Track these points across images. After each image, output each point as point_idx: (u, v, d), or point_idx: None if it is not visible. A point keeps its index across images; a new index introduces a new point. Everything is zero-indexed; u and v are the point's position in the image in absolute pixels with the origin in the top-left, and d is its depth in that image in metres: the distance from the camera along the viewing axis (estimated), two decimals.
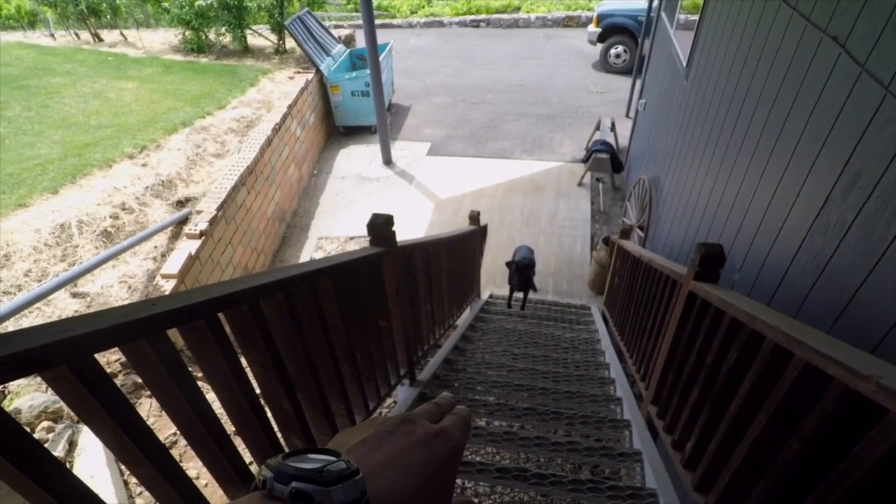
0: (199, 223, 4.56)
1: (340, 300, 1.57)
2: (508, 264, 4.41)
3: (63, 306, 3.83)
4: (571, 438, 2.12)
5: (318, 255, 6.06)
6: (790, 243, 2.05)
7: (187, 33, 8.75)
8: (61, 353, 0.73)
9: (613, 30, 10.14)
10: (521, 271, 4.24)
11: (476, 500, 2.18)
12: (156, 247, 4.52)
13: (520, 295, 4.99)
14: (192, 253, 4.32)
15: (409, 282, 2.34)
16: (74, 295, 3.92)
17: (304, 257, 6.05)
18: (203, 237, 4.49)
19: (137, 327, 0.83)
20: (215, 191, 4.95)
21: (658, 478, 1.87)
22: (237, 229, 5.15)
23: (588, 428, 2.31)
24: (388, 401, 2.60)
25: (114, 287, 4.07)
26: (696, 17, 4.10)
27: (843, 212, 1.72)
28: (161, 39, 9.62)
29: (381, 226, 1.95)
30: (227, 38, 8.98)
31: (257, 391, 1.20)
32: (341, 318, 1.60)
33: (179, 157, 5.52)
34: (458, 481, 2.09)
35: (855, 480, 0.85)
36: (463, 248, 3.81)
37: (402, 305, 2.21)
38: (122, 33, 9.76)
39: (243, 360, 1.16)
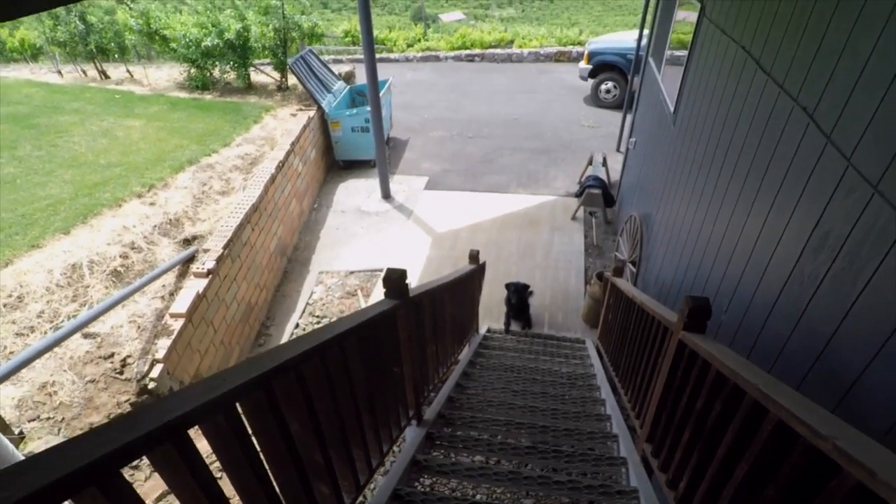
0: (207, 262, 4.70)
1: (363, 355, 1.71)
2: (507, 286, 5.19)
3: (74, 347, 3.93)
4: (572, 477, 2.24)
5: (319, 290, 6.20)
6: (771, 291, 2.23)
7: (192, 71, 9.03)
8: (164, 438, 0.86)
9: (603, 67, 10.55)
10: (519, 292, 5.08)
11: None
12: (164, 286, 4.65)
13: (516, 327, 5.22)
14: (200, 292, 4.44)
15: (418, 329, 2.49)
16: (85, 336, 4.03)
17: (305, 292, 6.18)
18: (210, 275, 4.63)
19: (216, 404, 0.98)
20: (221, 229, 5.11)
21: None
22: (241, 266, 5.30)
23: (587, 465, 2.44)
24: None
25: (123, 327, 4.18)
26: (684, 60, 4.35)
27: (816, 267, 1.89)
28: (166, 76, 9.91)
29: (396, 280, 2.11)
30: (231, 76, 9.26)
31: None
32: (363, 371, 1.74)
33: (186, 195, 5.69)
34: None
35: None
36: (464, 288, 3.97)
37: (413, 351, 2.36)
38: (128, 70, 10.04)
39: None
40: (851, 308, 1.64)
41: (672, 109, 4.50)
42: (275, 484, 1.25)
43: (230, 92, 9.04)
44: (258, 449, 1.22)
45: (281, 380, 1.22)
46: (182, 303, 4.30)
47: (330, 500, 1.58)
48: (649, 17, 6.93)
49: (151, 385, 3.89)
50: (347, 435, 1.65)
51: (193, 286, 4.49)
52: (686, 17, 4.42)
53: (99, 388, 3.78)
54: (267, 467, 1.29)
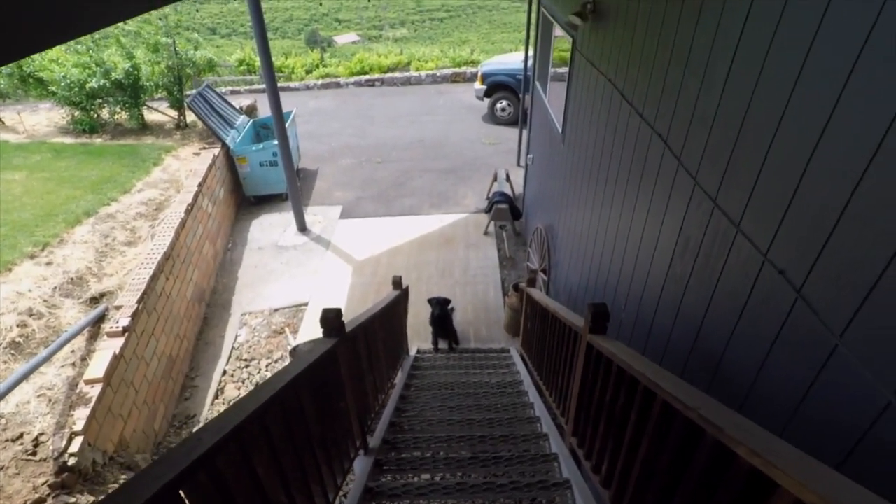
0: (121, 319, 4.49)
1: (312, 395, 1.85)
2: (429, 300, 5.54)
3: None
4: (512, 479, 2.49)
5: (244, 332, 6.07)
6: (655, 289, 2.63)
7: (76, 113, 8.46)
8: None
9: (497, 87, 11.23)
10: (441, 304, 5.42)
11: None
12: (73, 351, 4.38)
13: (444, 345, 5.47)
14: (117, 352, 4.25)
15: (356, 361, 2.64)
16: None
17: (229, 336, 6.03)
18: (126, 333, 4.43)
19: (200, 462, 1.10)
20: (133, 282, 4.90)
21: (585, 499, 2.29)
22: (159, 318, 5.09)
23: (524, 466, 2.71)
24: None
25: (31, 403, 3.90)
26: (566, 76, 4.81)
27: (683, 266, 2.30)
28: (45, 121, 9.17)
29: (332, 319, 2.25)
30: (122, 116, 8.78)
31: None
32: (314, 410, 1.88)
33: (87, 250, 5.37)
34: None
35: (692, 476, 1.31)
36: (392, 314, 4.14)
37: (354, 384, 2.50)
38: None
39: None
40: (711, 299, 2.03)
41: (560, 129, 4.99)
42: None
43: (123, 134, 8.57)
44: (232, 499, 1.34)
45: (249, 430, 1.35)
46: (98, 366, 4.09)
47: None
48: (532, 37, 7.55)
49: (72, 461, 3.66)
50: (307, 473, 1.78)
51: (109, 347, 4.28)
52: (563, 35, 4.90)
53: (10, 475, 3.50)
54: None
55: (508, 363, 4.90)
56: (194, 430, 5.04)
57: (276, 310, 6.31)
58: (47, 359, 4.07)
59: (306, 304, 6.33)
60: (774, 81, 1.58)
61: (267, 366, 5.60)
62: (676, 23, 2.37)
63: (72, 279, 4.99)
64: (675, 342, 2.38)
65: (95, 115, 8.61)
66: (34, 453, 3.61)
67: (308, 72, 17.32)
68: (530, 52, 8.05)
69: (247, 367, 5.64)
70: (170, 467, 1.05)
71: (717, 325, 1.98)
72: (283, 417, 1.57)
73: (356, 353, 2.67)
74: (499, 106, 11.41)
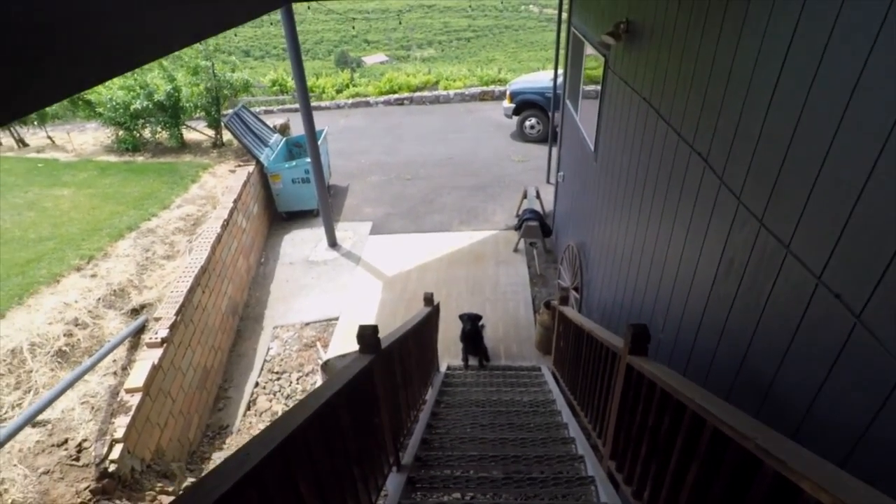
0: (160, 331, 4.61)
1: (349, 412, 1.86)
2: (461, 316, 5.39)
3: (23, 438, 3.74)
4: (546, 502, 2.44)
5: (275, 345, 6.16)
6: (696, 310, 2.57)
7: (121, 133, 8.83)
8: None
9: (525, 105, 11.28)
10: (472, 320, 5.27)
11: None
12: (115, 360, 4.51)
13: (474, 362, 5.44)
14: (156, 363, 4.36)
15: (391, 378, 2.65)
16: (34, 424, 3.84)
17: (262, 349, 6.12)
18: (164, 344, 4.55)
19: (250, 478, 1.11)
20: (172, 295, 5.04)
21: None
22: (195, 330, 5.21)
23: (559, 489, 2.65)
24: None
25: (75, 410, 4.02)
26: (598, 94, 4.80)
27: (727, 288, 2.24)
28: (91, 140, 9.60)
29: (369, 336, 2.27)
30: (163, 136, 9.13)
31: None
32: (351, 426, 1.89)
33: (129, 263, 5.56)
34: None
35: None
36: (425, 331, 4.14)
37: (389, 400, 2.51)
38: (48, 136, 9.65)
39: None
40: (759, 321, 1.97)
41: (592, 148, 4.97)
42: None
43: (163, 152, 8.90)
44: None
45: (293, 445, 1.36)
46: (138, 376, 4.20)
47: None
48: (562, 56, 7.58)
49: (112, 468, 3.75)
50: (344, 489, 1.78)
51: (148, 357, 4.39)
52: (595, 54, 4.91)
53: (55, 479, 3.60)
54: None
55: (540, 381, 4.83)
56: (227, 440, 5.12)
57: (307, 324, 6.39)
58: (91, 367, 4.20)
59: (337, 319, 6.39)
60: (827, 96, 1.54)
61: (298, 379, 5.66)
62: (716, 42, 2.34)
63: (114, 291, 5.16)
64: (718, 364, 2.31)
65: (138, 135, 8.96)
66: (77, 459, 3.71)
67: (338, 91, 17.72)
68: (560, 71, 8.08)
69: (278, 379, 5.71)
70: (221, 480, 1.06)
71: (766, 347, 1.92)
72: (323, 433, 1.58)
73: (391, 369, 2.68)
74: (528, 124, 11.44)
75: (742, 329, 2.09)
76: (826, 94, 1.56)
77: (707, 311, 2.45)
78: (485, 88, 15.34)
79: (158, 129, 8.94)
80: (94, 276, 5.31)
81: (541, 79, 11.29)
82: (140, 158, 8.64)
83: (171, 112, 8.57)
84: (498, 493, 2.75)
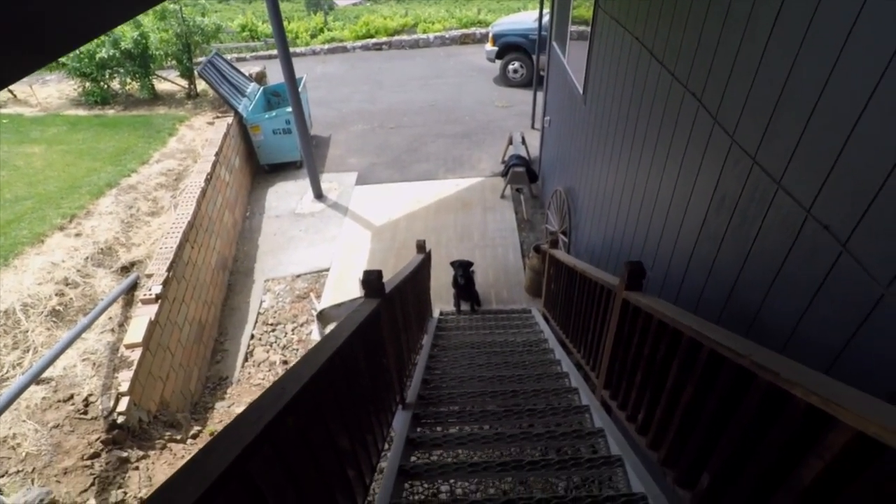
0: (153, 287, 4.62)
1: (365, 351, 1.95)
2: (452, 263, 5.43)
3: (28, 395, 3.80)
4: (549, 428, 2.61)
5: (268, 298, 6.21)
6: (686, 247, 2.68)
7: (87, 85, 8.43)
8: None
9: (509, 48, 11.00)
10: (464, 266, 5.30)
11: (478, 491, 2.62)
12: (110, 318, 4.52)
13: (466, 307, 5.58)
14: (153, 318, 4.39)
15: (394, 321, 2.74)
16: (37, 382, 3.89)
17: (254, 302, 6.18)
18: (159, 300, 4.57)
19: (287, 409, 1.19)
20: (161, 251, 5.01)
21: (620, 446, 2.40)
22: (187, 286, 5.23)
23: (558, 417, 2.83)
24: None
25: (77, 367, 4.07)
26: (587, 35, 4.72)
27: (718, 224, 2.34)
28: (56, 93, 9.17)
29: (374, 281, 2.33)
30: (133, 87, 8.74)
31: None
32: (365, 365, 1.98)
33: (113, 220, 5.47)
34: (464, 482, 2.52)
35: (741, 418, 1.39)
36: (419, 278, 4.22)
37: (392, 341, 2.61)
38: (10, 90, 9.17)
39: None
40: (749, 254, 2.08)
41: (581, 91, 4.94)
42: (321, 472, 1.48)
43: (135, 104, 8.56)
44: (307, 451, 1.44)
45: (319, 381, 1.44)
46: (136, 332, 4.24)
47: (357, 482, 1.82)
48: None
49: (120, 419, 3.85)
50: (361, 423, 1.89)
51: (144, 313, 4.42)
52: None
53: (65, 432, 3.70)
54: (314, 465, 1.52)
55: (531, 323, 5.01)
56: (227, 390, 5.25)
57: (298, 276, 6.43)
58: (89, 325, 4.22)
59: (328, 270, 6.44)
60: (826, 29, 1.57)
61: (293, 329, 5.76)
62: None
63: (102, 249, 5.11)
64: (707, 298, 2.44)
65: (106, 87, 8.57)
66: (85, 412, 3.80)
67: (313, 36, 16.97)
68: (545, 11, 7.86)
69: (273, 331, 5.80)
70: (263, 412, 1.14)
71: (754, 279, 2.03)
72: (343, 371, 1.67)
73: (393, 313, 2.77)
74: (511, 67, 11.21)
75: (731, 263, 2.20)
76: (825, 30, 1.59)
77: (697, 248, 2.55)
78: (465, 31, 14.87)
79: (128, 80, 8.55)
80: (78, 234, 5.23)
81: (524, 20, 10.97)
82: (111, 111, 8.31)
83: (140, 61, 8.18)
84: (497, 424, 2.92)
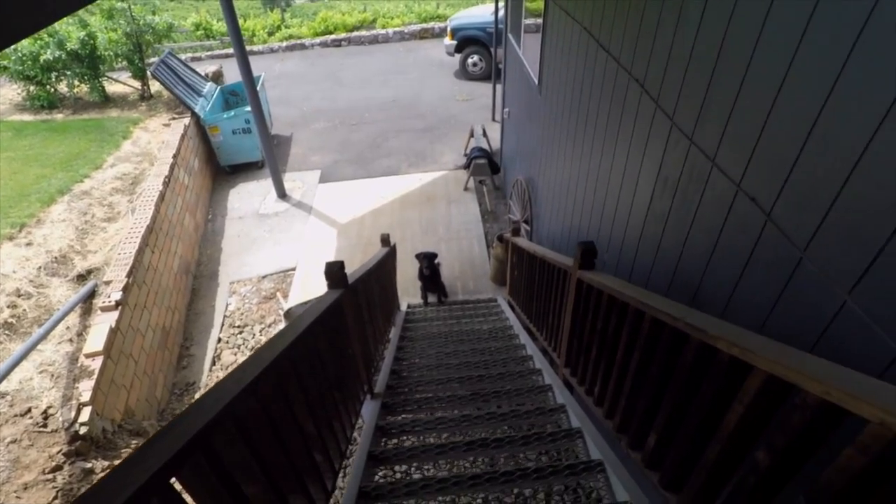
0: (112, 293, 4.52)
1: (328, 340, 1.99)
2: (417, 256, 5.50)
3: None
4: (513, 407, 2.70)
5: (234, 300, 6.14)
6: (636, 230, 2.81)
7: (32, 88, 8.10)
8: None
9: (467, 41, 11.08)
10: (429, 258, 5.38)
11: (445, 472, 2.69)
12: (68, 328, 4.41)
13: (433, 299, 5.65)
14: (113, 325, 4.30)
15: (358, 312, 2.78)
16: None
17: (220, 305, 6.09)
18: (119, 307, 4.47)
19: (248, 392, 1.23)
20: (120, 257, 4.89)
21: (580, 419, 2.51)
22: (149, 291, 5.12)
23: (521, 398, 2.92)
24: None
25: (34, 379, 3.96)
26: (541, 27, 4.83)
27: (662, 204, 2.46)
28: None
29: (336, 272, 2.37)
30: (82, 89, 8.44)
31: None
32: (330, 353, 2.02)
33: (67, 228, 5.31)
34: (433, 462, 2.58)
35: (679, 377, 1.50)
36: (384, 270, 4.26)
37: (359, 332, 2.65)
38: None
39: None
40: (689, 231, 2.21)
41: (537, 81, 5.05)
42: (288, 454, 1.52)
43: (85, 108, 8.27)
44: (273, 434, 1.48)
45: (282, 365, 1.48)
46: (97, 340, 4.15)
47: (325, 467, 1.87)
48: None
49: (83, 430, 3.77)
50: (327, 409, 1.93)
51: (104, 321, 4.32)
52: None
53: (24, 447, 3.60)
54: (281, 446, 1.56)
55: (497, 311, 5.11)
56: (196, 395, 5.18)
57: (263, 276, 6.37)
58: (44, 336, 4.11)
59: (294, 269, 6.41)
60: (749, 13, 1.69)
61: (261, 331, 5.71)
62: None
63: (56, 258, 4.96)
64: (655, 277, 2.57)
65: (53, 90, 8.26)
66: (45, 425, 3.71)
67: (270, 34, 16.68)
68: (500, 4, 7.96)
69: (241, 333, 5.74)
70: (224, 393, 1.18)
71: (694, 254, 2.16)
72: (306, 356, 1.71)
73: (357, 303, 2.80)
74: (470, 61, 11.29)
75: (675, 241, 2.33)
76: (744, 21, 1.71)
77: (645, 228, 2.68)
78: (424, 25, 14.88)
79: (76, 83, 8.24)
80: (29, 244, 5.06)
81: (482, 13, 11.06)
82: (59, 116, 8.01)
83: (89, 62, 7.91)
84: (464, 407, 3.00)
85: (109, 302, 4.46)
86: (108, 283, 4.67)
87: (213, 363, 5.55)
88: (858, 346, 1.30)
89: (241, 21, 17.45)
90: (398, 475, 2.62)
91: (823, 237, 1.40)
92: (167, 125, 7.45)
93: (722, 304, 1.92)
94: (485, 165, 7.18)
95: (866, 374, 0.96)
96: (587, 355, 2.46)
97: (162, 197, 5.84)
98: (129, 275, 4.74)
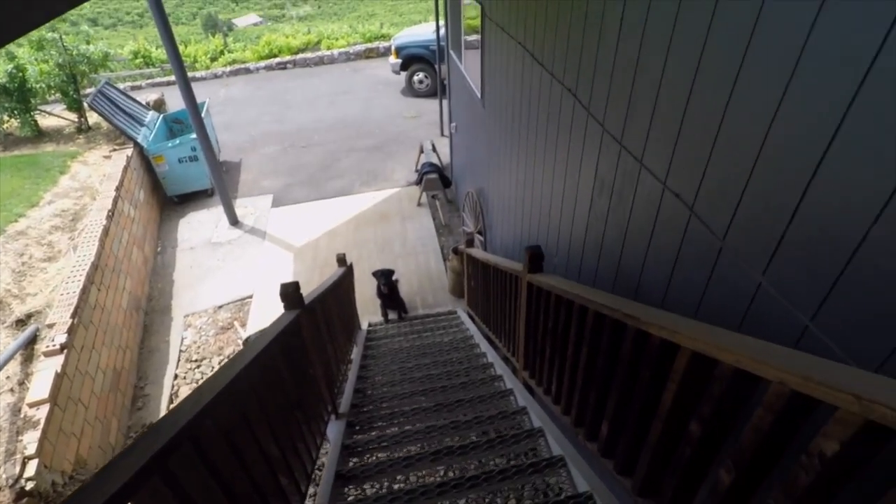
0: (57, 337, 4.32)
1: (286, 361, 2.00)
2: (374, 273, 5.53)
3: None
4: (477, 413, 2.76)
5: (189, 334, 5.96)
6: (580, 232, 2.94)
7: None
8: None
9: (412, 59, 11.26)
10: (386, 275, 5.42)
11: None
12: (7, 377, 4.17)
13: (394, 316, 5.66)
14: (59, 370, 4.10)
15: (317, 332, 2.78)
16: None
17: (175, 340, 5.90)
18: (65, 350, 4.27)
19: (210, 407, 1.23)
20: (62, 297, 4.69)
21: (541, 419, 2.59)
22: (97, 331, 4.92)
23: (484, 405, 2.98)
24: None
25: None
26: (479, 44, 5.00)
27: (601, 205, 2.60)
28: None
29: (292, 293, 2.38)
30: (12, 124, 8.05)
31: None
32: (289, 375, 2.03)
33: (2, 271, 5.04)
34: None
35: (622, 366, 1.59)
36: (342, 289, 4.26)
37: (318, 352, 2.65)
38: None
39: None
40: (627, 230, 2.34)
41: (480, 96, 5.21)
42: (251, 477, 1.52)
43: (16, 143, 7.90)
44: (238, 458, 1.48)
45: (239, 387, 1.49)
46: (41, 387, 3.94)
47: (291, 489, 1.86)
48: (441, 6, 7.63)
49: (30, 485, 3.56)
50: (291, 430, 1.93)
51: (49, 366, 4.12)
52: (473, 2, 5.04)
53: None
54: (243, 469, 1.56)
55: (457, 322, 5.17)
56: None
57: (220, 306, 6.22)
58: None
59: (251, 297, 6.29)
60: (658, 26, 1.84)
61: (220, 362, 5.56)
62: None
63: None
64: (601, 275, 2.69)
65: None
66: None
67: (213, 59, 16.43)
68: (441, 22, 8.15)
69: (198, 367, 5.58)
70: (181, 416, 1.18)
71: (634, 250, 2.29)
72: (263, 377, 1.71)
73: (316, 323, 2.81)
74: (416, 78, 11.46)
75: (615, 239, 2.46)
76: (658, 23, 1.85)
77: (589, 230, 2.81)
78: (369, 45, 15.01)
79: (5, 118, 7.87)
80: None
81: (425, 31, 11.27)
82: None
83: (19, 96, 7.56)
84: (429, 419, 3.03)
85: (53, 346, 4.25)
86: (51, 326, 4.46)
87: (171, 401, 5.35)
88: (776, 322, 1.42)
89: (181, 47, 17.12)
90: (368, 492, 2.62)
91: (737, 226, 1.53)
92: (108, 157, 7.21)
93: (660, 296, 2.05)
94: (436, 180, 7.29)
95: (784, 345, 1.07)
96: (542, 355, 2.55)
97: (106, 231, 5.64)
98: (73, 315, 4.54)
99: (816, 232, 1.24)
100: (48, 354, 4.25)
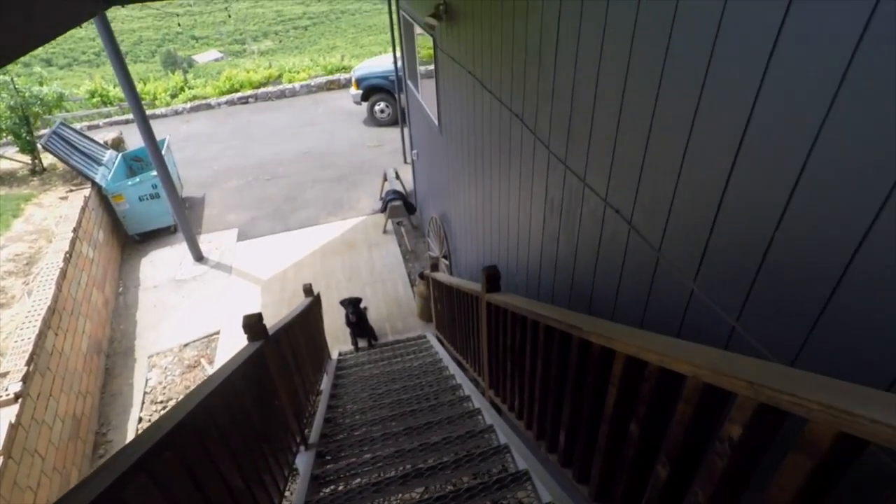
0: (10, 385, 4.16)
1: (250, 391, 2.01)
2: (341, 302, 5.51)
3: None
4: (445, 435, 2.79)
5: (154, 375, 5.80)
6: (536, 250, 3.05)
7: None
8: None
9: (372, 90, 11.45)
10: (353, 304, 5.40)
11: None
12: None
13: (364, 344, 5.65)
14: (13, 421, 3.94)
15: (283, 362, 2.79)
16: None
17: (138, 382, 5.73)
18: (19, 399, 4.11)
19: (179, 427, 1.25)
20: (17, 344, 4.53)
21: (507, 435, 2.64)
22: (54, 378, 4.75)
23: (453, 425, 3.01)
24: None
25: None
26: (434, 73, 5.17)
27: (553, 225, 2.72)
28: None
29: (255, 324, 2.39)
30: None
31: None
32: (254, 406, 2.03)
33: None
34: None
35: (572, 376, 1.67)
36: (309, 319, 4.26)
37: (285, 382, 2.65)
38: None
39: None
40: (577, 245, 2.45)
41: (437, 123, 5.36)
42: None
43: None
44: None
45: (199, 417, 1.50)
46: None
47: None
48: (398, 38, 7.84)
49: None
50: (257, 462, 1.94)
51: (2, 417, 3.95)
52: (425, 34, 5.24)
53: None
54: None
55: (426, 347, 5.20)
56: None
57: (186, 344, 6.09)
58: None
59: (218, 333, 6.18)
60: (589, 54, 1.99)
61: None
62: (512, 19, 2.77)
63: None
64: (558, 292, 2.79)
65: None
66: None
67: (173, 96, 16.34)
68: (398, 54, 8.36)
69: (164, 407, 5.42)
70: (139, 447, 1.20)
71: (584, 265, 2.40)
72: (226, 408, 1.72)
73: (282, 354, 2.81)
74: (377, 108, 11.64)
75: (568, 256, 2.57)
76: (587, 57, 2.00)
77: (544, 249, 2.93)
78: (330, 77, 15.19)
79: None
80: None
81: (384, 63, 11.50)
82: None
83: None
84: (399, 443, 3.04)
85: (7, 395, 4.09)
86: (4, 375, 4.29)
87: None
88: (708, 326, 1.53)
89: (140, 85, 17.00)
90: None
91: (669, 237, 1.65)
92: (64, 198, 7.05)
93: (611, 308, 2.15)
94: (401, 207, 7.38)
95: (717, 347, 1.16)
96: (504, 373, 2.61)
97: (63, 274, 5.50)
98: (29, 363, 4.39)
99: (733, 238, 1.36)
100: (1, 405, 4.08)
